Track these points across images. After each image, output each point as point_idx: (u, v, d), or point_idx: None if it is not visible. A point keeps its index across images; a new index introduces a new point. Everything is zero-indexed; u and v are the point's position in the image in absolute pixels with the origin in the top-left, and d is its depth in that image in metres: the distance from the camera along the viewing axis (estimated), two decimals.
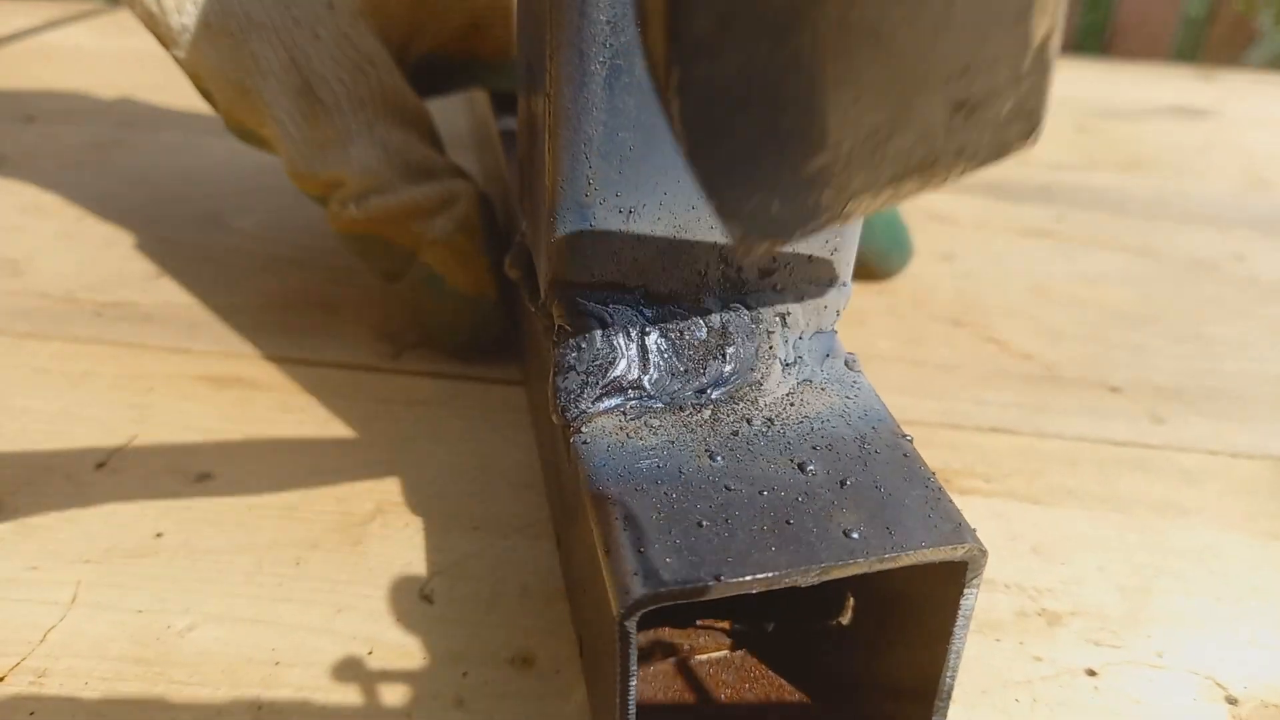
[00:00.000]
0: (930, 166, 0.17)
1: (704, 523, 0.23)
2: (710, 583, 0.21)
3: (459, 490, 0.36)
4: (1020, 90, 0.16)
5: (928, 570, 0.23)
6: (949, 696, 0.25)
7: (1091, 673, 0.30)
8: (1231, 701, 0.30)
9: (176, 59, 0.40)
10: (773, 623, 0.30)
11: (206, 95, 0.41)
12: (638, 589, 0.21)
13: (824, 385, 0.28)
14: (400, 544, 0.34)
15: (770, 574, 0.22)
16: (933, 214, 0.59)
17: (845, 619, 0.30)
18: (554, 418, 0.27)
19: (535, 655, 0.30)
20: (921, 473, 0.25)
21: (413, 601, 0.32)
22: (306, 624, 0.31)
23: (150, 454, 0.37)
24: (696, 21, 0.14)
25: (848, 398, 0.28)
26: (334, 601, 0.32)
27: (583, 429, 0.26)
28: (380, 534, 0.34)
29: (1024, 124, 0.17)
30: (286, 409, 0.40)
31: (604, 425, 0.26)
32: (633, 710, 0.23)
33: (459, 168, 0.43)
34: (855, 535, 0.22)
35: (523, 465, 0.38)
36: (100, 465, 0.37)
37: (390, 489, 0.36)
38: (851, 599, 0.30)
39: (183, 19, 0.38)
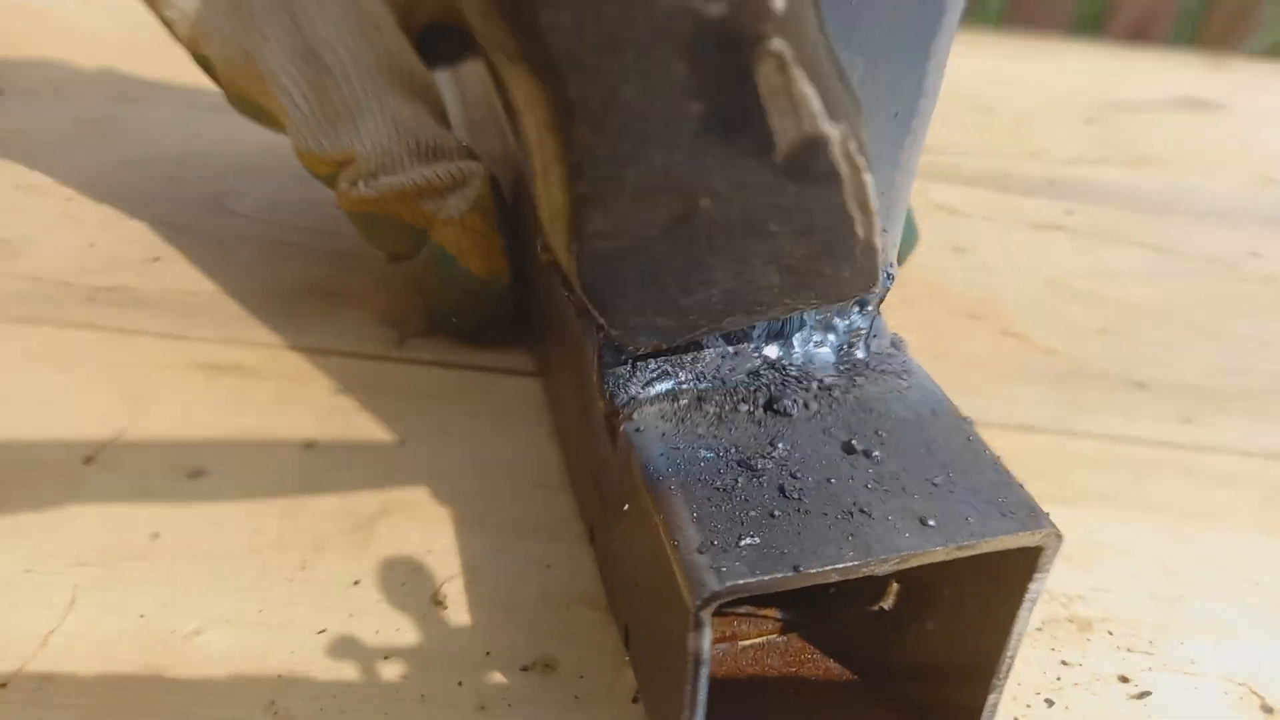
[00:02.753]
0: (790, 304, 0.22)
1: (775, 512, 0.22)
2: (789, 574, 0.21)
3: (471, 488, 0.35)
4: (857, 266, 0.21)
5: (996, 555, 0.22)
6: (1006, 677, 0.25)
7: (1124, 680, 0.29)
8: (1268, 710, 0.29)
9: (169, 22, 0.37)
10: (813, 608, 0.29)
11: (204, 64, 0.39)
12: (714, 582, 0.20)
13: (875, 367, 0.27)
14: (411, 545, 0.33)
15: (849, 564, 0.21)
16: (941, 206, 0.58)
17: (888, 604, 0.29)
18: (601, 405, 0.26)
19: (558, 661, 0.29)
20: (988, 456, 0.24)
21: (426, 606, 0.30)
22: (318, 628, 0.29)
23: (142, 448, 0.36)
24: (595, 225, 0.18)
25: (901, 380, 0.27)
26: (344, 605, 0.30)
27: (633, 416, 0.25)
28: (389, 534, 0.33)
29: (865, 280, 0.22)
30: (285, 399, 0.39)
31: (655, 412, 0.25)
32: (703, 702, 0.22)
33: (469, 148, 0.41)
34: (932, 522, 0.22)
35: (537, 462, 0.36)
36: (88, 460, 0.35)
37: (398, 486, 0.35)
38: (895, 584, 0.29)
39: None
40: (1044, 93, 0.75)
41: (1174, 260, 0.53)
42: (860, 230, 0.20)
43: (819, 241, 0.20)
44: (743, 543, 0.21)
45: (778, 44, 0.15)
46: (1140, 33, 1.16)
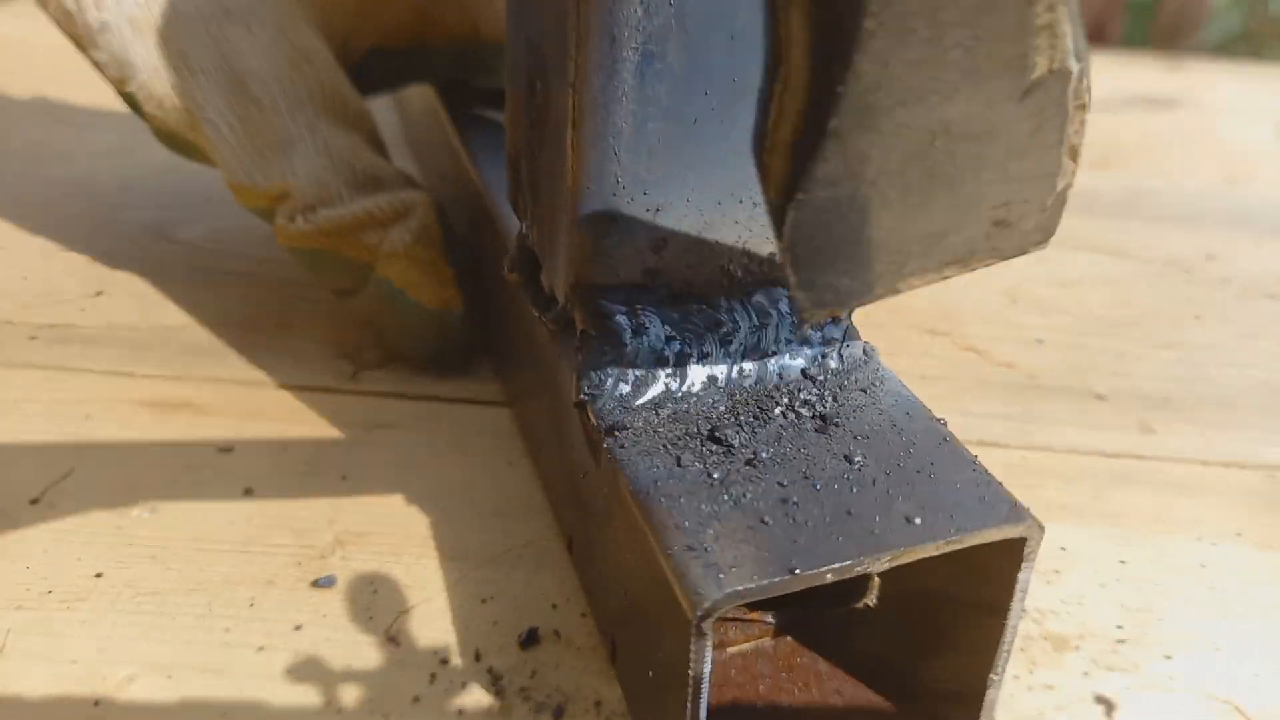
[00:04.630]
0: (968, 259, 0.22)
1: (766, 518, 0.23)
2: (786, 577, 0.21)
3: (428, 519, 0.34)
4: (1043, 216, 0.22)
5: (980, 549, 0.23)
6: (1004, 671, 0.25)
7: (1104, 700, 0.29)
8: None
9: (97, 62, 0.37)
10: (798, 609, 0.29)
11: (131, 101, 0.38)
12: (714, 591, 0.21)
13: (849, 374, 0.28)
14: (365, 579, 0.31)
15: (843, 564, 0.21)
16: None
17: (871, 601, 0.29)
18: (583, 422, 0.26)
19: (513, 705, 0.28)
20: (964, 456, 0.25)
21: (380, 642, 0.29)
22: (261, 672, 0.28)
23: (89, 488, 0.34)
24: (829, 167, 0.18)
25: (875, 385, 0.28)
26: (291, 646, 0.29)
27: (617, 433, 0.25)
28: (343, 569, 0.32)
29: (1041, 235, 0.22)
30: (236, 436, 0.37)
31: (638, 426, 0.25)
32: (704, 710, 0.22)
33: (408, 176, 0.40)
34: (918, 520, 0.23)
35: (494, 491, 0.35)
36: (34, 501, 0.34)
37: (350, 520, 0.34)
38: (878, 580, 0.29)
39: (102, 14, 0.35)
40: None
41: (1132, 264, 0.53)
42: (1060, 182, 0.21)
43: (1025, 189, 0.21)
44: (737, 550, 0.22)
45: None
46: (1092, 32, 1.18)
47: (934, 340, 0.46)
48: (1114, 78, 0.80)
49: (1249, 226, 0.58)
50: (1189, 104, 0.76)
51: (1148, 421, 0.41)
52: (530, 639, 0.30)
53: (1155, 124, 0.72)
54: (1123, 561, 0.34)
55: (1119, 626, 0.31)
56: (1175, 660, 0.30)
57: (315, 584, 0.31)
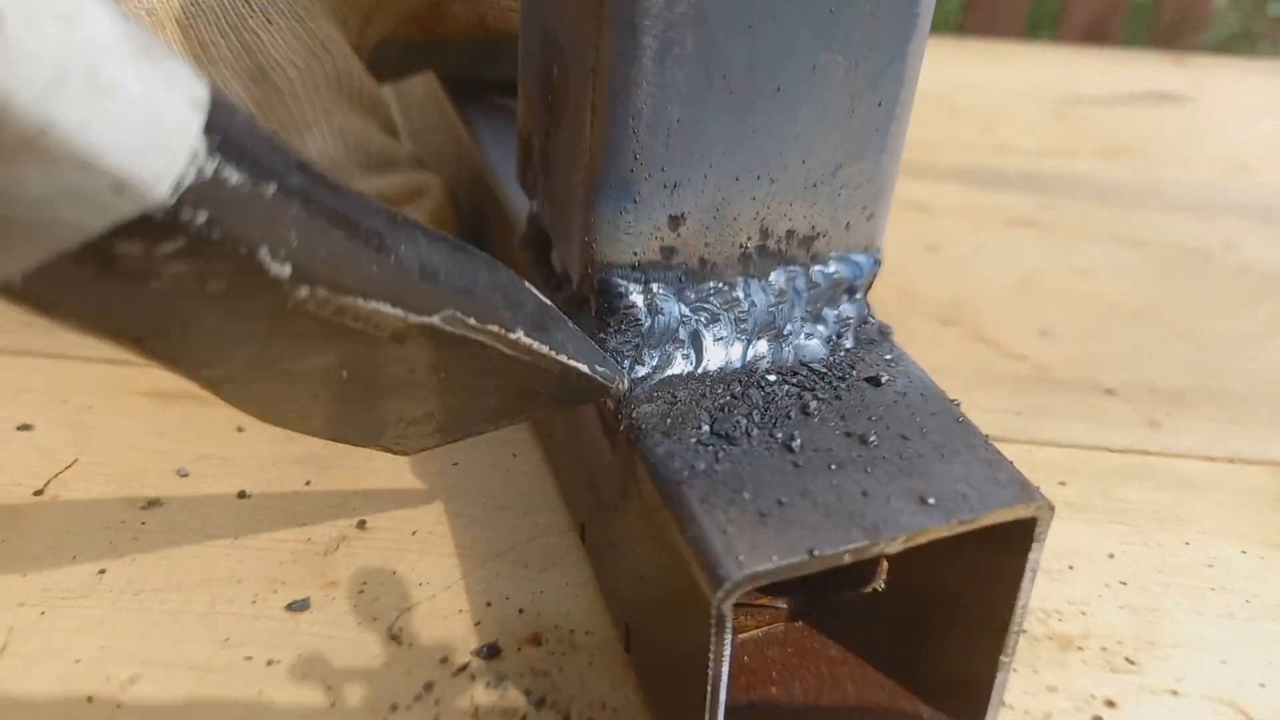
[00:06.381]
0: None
1: (783, 500, 0.23)
2: (805, 558, 0.21)
3: (430, 514, 0.34)
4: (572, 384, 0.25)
5: (991, 529, 0.23)
6: (1013, 654, 0.25)
7: (1110, 704, 0.29)
8: None
9: None
10: (808, 595, 0.29)
11: None
12: (734, 571, 0.21)
13: (864, 354, 0.28)
14: (370, 574, 0.31)
15: (860, 544, 0.22)
16: (912, 203, 0.57)
17: (880, 585, 0.29)
18: (600, 406, 0.26)
19: (518, 705, 0.28)
20: (979, 436, 0.25)
21: (381, 641, 0.29)
22: (265, 671, 0.28)
23: (92, 480, 0.34)
24: None
25: (890, 365, 0.28)
26: (296, 644, 0.29)
27: (633, 415, 0.25)
28: (348, 564, 0.32)
29: (596, 389, 0.26)
30: (239, 425, 0.37)
31: (654, 410, 0.26)
32: (724, 694, 0.22)
33: (421, 159, 0.40)
34: (932, 500, 0.23)
35: (500, 484, 0.35)
36: (38, 493, 0.34)
37: (358, 513, 0.34)
38: (885, 563, 0.29)
39: (120, 6, 0.35)
40: (1009, 91, 0.75)
41: (1148, 253, 0.53)
42: (546, 365, 0.24)
43: (512, 378, 0.24)
44: (755, 532, 0.22)
45: (306, 292, 0.19)
46: (1094, 32, 1.17)
47: (945, 330, 0.46)
48: (1119, 73, 0.79)
49: (1267, 216, 0.57)
50: (1195, 98, 0.74)
51: (1157, 416, 0.40)
52: (535, 638, 0.29)
53: (1163, 116, 0.71)
54: (1129, 561, 0.33)
55: (1124, 627, 0.31)
56: (1182, 663, 0.30)
57: (289, 608, 0.30)
